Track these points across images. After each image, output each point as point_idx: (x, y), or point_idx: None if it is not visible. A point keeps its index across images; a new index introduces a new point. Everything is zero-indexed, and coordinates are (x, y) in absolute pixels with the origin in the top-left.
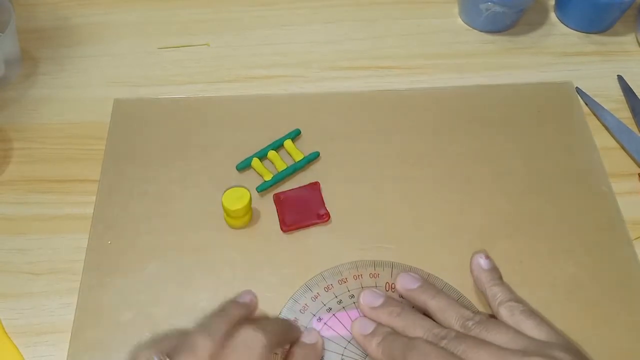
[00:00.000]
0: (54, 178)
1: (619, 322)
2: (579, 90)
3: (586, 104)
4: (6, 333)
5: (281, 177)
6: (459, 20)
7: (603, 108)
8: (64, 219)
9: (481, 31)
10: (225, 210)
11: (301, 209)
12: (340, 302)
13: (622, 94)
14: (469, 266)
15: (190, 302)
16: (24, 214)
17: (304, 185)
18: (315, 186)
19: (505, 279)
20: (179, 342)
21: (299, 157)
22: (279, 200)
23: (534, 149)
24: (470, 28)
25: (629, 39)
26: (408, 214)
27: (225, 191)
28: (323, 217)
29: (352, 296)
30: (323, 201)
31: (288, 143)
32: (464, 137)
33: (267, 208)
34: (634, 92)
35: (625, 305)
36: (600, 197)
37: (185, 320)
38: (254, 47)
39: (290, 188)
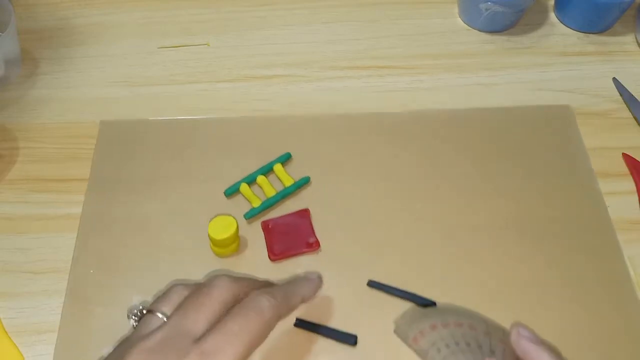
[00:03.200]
0: (54, 178)
1: (613, 327)
2: (615, 82)
3: (621, 96)
4: (6, 332)
5: (270, 204)
6: (459, 20)
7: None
8: (64, 218)
9: (481, 31)
10: (211, 239)
11: (290, 237)
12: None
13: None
14: (461, 293)
15: None
16: (25, 213)
17: (293, 212)
18: (304, 213)
19: (498, 284)
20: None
21: (288, 182)
22: (267, 228)
23: (531, 169)
24: (470, 28)
25: (629, 39)
26: (401, 242)
27: (211, 220)
28: (313, 245)
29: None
30: (313, 229)
31: (278, 167)
32: (458, 160)
33: (255, 236)
34: (630, 94)
35: (619, 310)
36: (594, 204)
37: None
38: (254, 47)
39: (279, 215)
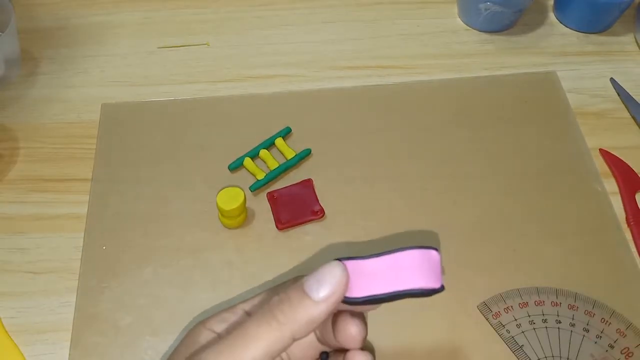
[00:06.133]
0: (54, 177)
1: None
2: (613, 82)
3: (619, 95)
4: (6, 332)
5: (274, 176)
6: (459, 20)
7: (638, 104)
8: (63, 218)
9: (480, 31)
10: (220, 210)
11: (296, 207)
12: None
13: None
14: (463, 258)
15: (189, 304)
16: (24, 213)
17: (297, 183)
18: (308, 183)
19: (497, 273)
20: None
21: (290, 154)
22: (272, 198)
23: (523, 140)
24: (470, 28)
25: (628, 39)
26: (402, 207)
27: (219, 191)
28: (318, 213)
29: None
30: (317, 198)
31: (279, 141)
32: (455, 130)
33: (262, 207)
34: (628, 94)
35: (620, 301)
36: (592, 192)
37: (185, 322)
38: (254, 47)
39: (284, 186)
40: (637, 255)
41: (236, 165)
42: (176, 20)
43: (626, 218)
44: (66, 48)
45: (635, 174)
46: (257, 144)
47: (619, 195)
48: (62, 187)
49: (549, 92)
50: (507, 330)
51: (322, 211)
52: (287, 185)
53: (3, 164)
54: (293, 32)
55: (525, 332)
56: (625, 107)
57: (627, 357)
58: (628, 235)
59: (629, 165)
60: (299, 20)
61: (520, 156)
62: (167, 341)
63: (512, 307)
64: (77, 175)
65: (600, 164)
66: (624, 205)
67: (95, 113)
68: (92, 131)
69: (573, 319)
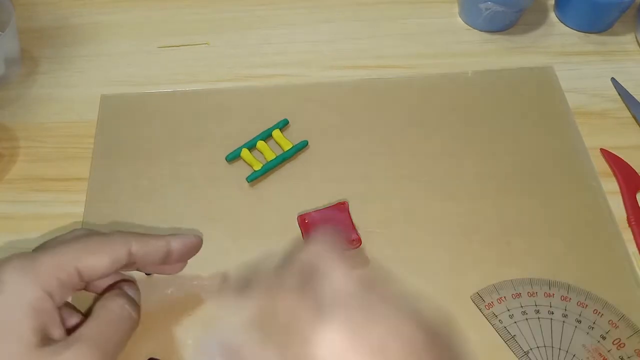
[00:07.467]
0: (54, 177)
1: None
2: (614, 82)
3: (620, 96)
4: None
5: (270, 167)
6: (459, 20)
7: (639, 103)
8: (64, 217)
9: (481, 31)
10: None
11: None
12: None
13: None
14: (458, 250)
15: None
16: (24, 212)
17: (331, 206)
18: (342, 207)
19: (491, 265)
20: None
21: (287, 146)
22: (304, 223)
23: (519, 136)
24: (470, 28)
25: (628, 38)
26: (397, 201)
27: None
28: (354, 242)
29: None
30: (353, 224)
31: (276, 133)
32: (453, 126)
33: (258, 200)
34: (629, 93)
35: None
36: (589, 190)
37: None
38: (254, 46)
39: (315, 209)
40: (633, 253)
41: (233, 156)
42: (176, 20)
43: (627, 218)
44: (66, 47)
45: (636, 173)
46: (254, 136)
47: (619, 195)
48: (62, 187)
49: (546, 89)
50: (499, 320)
51: (358, 240)
52: (318, 208)
53: (3, 164)
54: (293, 31)
55: (517, 323)
56: (626, 106)
57: (618, 347)
58: (623, 231)
59: (629, 165)
60: (299, 20)
61: (517, 154)
62: None
63: (505, 297)
64: (77, 174)
65: (601, 164)
66: (624, 204)
67: (95, 112)
68: (91, 130)
69: (565, 310)
